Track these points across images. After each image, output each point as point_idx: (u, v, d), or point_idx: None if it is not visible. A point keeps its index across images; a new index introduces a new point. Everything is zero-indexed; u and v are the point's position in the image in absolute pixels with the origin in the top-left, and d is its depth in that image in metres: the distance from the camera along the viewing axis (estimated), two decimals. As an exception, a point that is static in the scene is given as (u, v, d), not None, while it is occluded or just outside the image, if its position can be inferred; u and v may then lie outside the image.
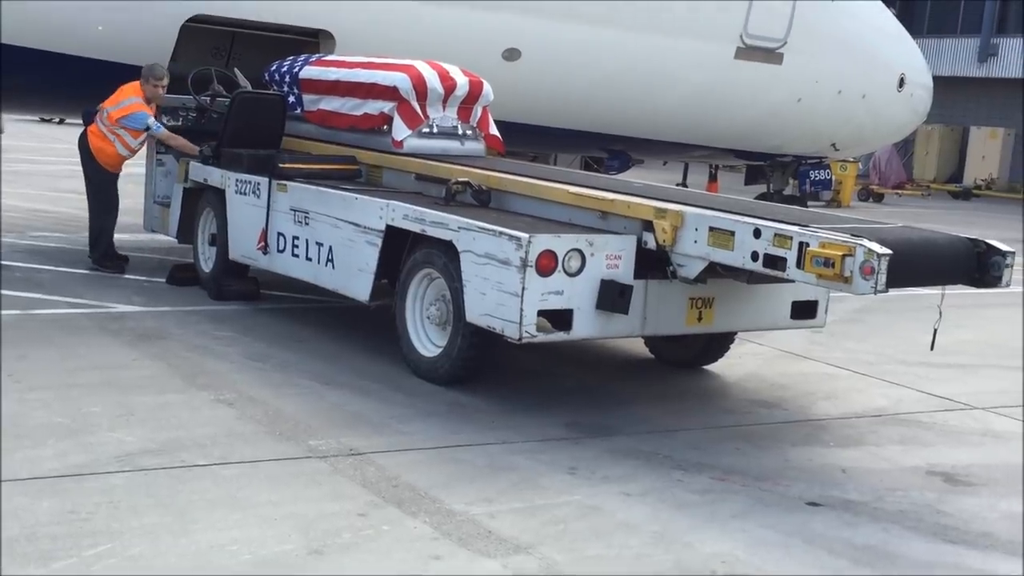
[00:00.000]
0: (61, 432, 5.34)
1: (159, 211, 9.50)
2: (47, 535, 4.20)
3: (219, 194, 8.61)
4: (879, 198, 26.75)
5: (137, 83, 9.06)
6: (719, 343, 7.52)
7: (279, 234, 7.97)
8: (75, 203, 13.44)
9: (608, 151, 13.54)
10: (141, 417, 5.66)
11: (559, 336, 6.16)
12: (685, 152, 14.58)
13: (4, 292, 8.16)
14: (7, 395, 5.83)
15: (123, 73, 9.74)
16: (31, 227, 11.48)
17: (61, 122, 28.38)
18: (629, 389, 7.12)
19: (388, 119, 8.39)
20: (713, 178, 17.69)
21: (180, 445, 5.29)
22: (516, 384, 6.90)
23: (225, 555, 4.17)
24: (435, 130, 8.45)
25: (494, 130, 8.84)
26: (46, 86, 10.13)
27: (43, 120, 28.53)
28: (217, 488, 4.81)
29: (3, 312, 7.59)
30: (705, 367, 7.64)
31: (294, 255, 7.85)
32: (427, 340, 6.85)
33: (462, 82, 8.52)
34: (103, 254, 9.34)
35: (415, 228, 6.81)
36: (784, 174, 14.77)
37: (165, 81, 9.08)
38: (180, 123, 9.32)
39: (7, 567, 3.93)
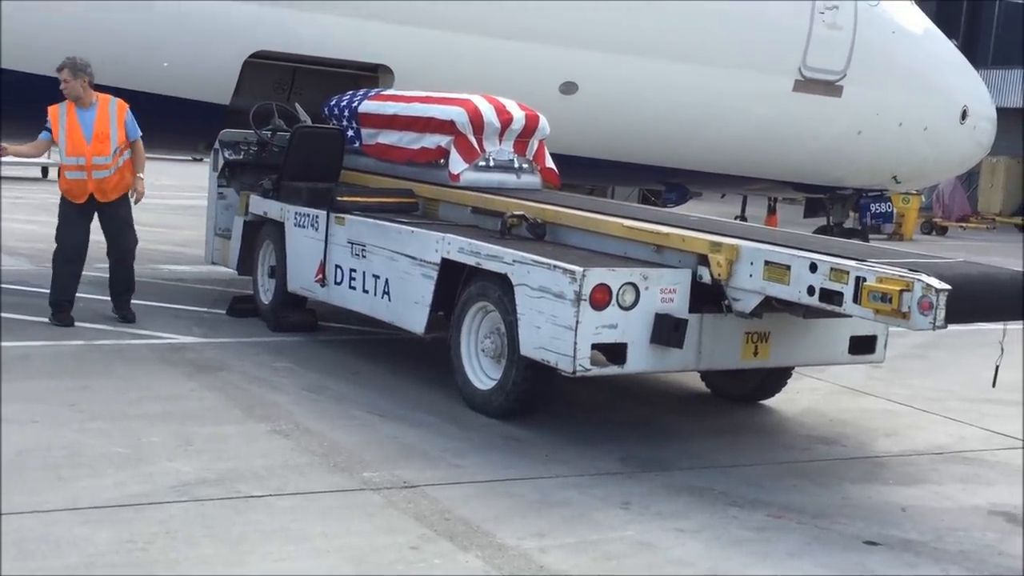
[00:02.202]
0: (120, 462, 5.43)
1: (220, 243, 9.65)
2: (106, 564, 4.26)
3: (278, 227, 8.73)
4: (943, 231, 26.37)
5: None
6: (776, 378, 7.44)
7: (337, 266, 8.06)
8: (141, 235, 13.68)
9: (666, 184, 13.52)
10: (199, 447, 5.73)
11: (613, 370, 6.15)
12: (743, 185, 14.51)
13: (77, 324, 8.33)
14: (69, 424, 5.94)
15: (188, 109, 9.95)
16: (96, 258, 11.68)
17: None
18: (684, 424, 7.07)
19: (445, 153, 8.46)
20: (772, 211, 17.57)
21: (237, 476, 5.35)
22: (570, 418, 6.89)
23: (278, 586, 4.21)
24: (491, 163, 8.50)
25: (550, 163, 8.89)
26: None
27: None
28: (272, 519, 4.85)
29: (69, 342, 7.76)
30: (762, 402, 7.57)
31: (351, 287, 7.93)
32: (482, 373, 6.87)
33: (518, 116, 8.58)
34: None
35: (470, 261, 6.85)
36: (844, 207, 14.61)
37: (62, 74, 8.39)
38: (241, 156, 9.47)
39: (66, 595, 4.00)
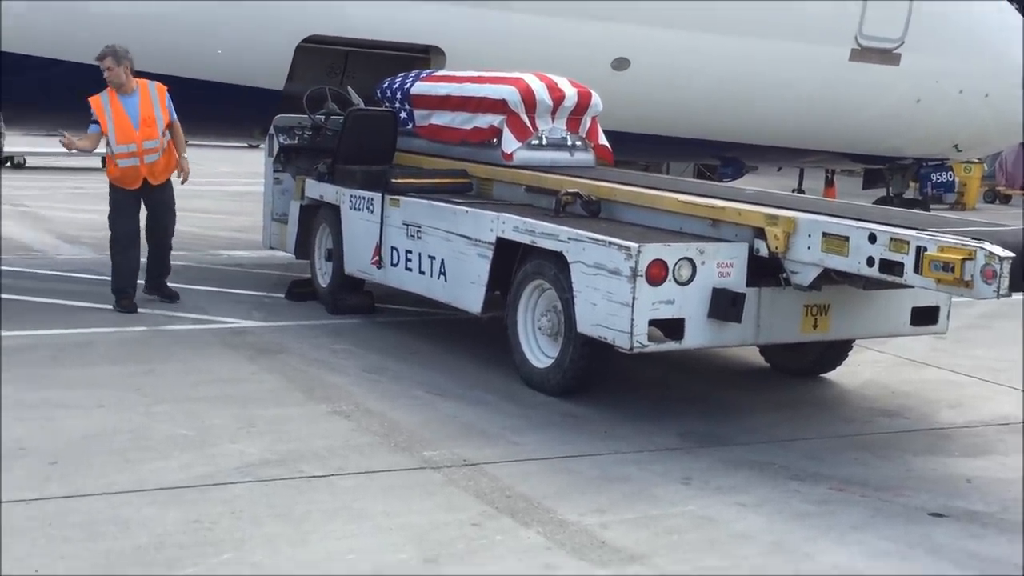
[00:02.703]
0: (185, 444, 5.52)
1: (277, 228, 9.73)
2: (174, 544, 4.34)
3: (334, 210, 8.80)
4: (1006, 200, 25.86)
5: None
6: (836, 351, 7.37)
7: (392, 248, 8.10)
8: (199, 222, 13.90)
9: (721, 158, 13.41)
10: (261, 429, 5.80)
11: (671, 346, 6.12)
12: (800, 157, 14.34)
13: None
14: (135, 408, 6.05)
15: (243, 95, 10.05)
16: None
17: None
18: (743, 398, 7.03)
19: (498, 132, 8.46)
20: (830, 183, 17.35)
21: (299, 456, 5.42)
22: (628, 394, 6.88)
23: (342, 564, 4.25)
24: (544, 142, 8.49)
25: (603, 140, 8.85)
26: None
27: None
28: (334, 499, 4.91)
29: (132, 328, 7.89)
30: (822, 375, 7.50)
31: (407, 269, 7.97)
32: (539, 351, 6.88)
33: (570, 93, 8.55)
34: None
35: (525, 240, 6.85)
36: (904, 177, 14.40)
37: (106, 62, 8.45)
38: (296, 141, 9.54)
39: (136, 574, 4.07)
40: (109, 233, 8.78)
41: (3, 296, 8.67)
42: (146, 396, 6.27)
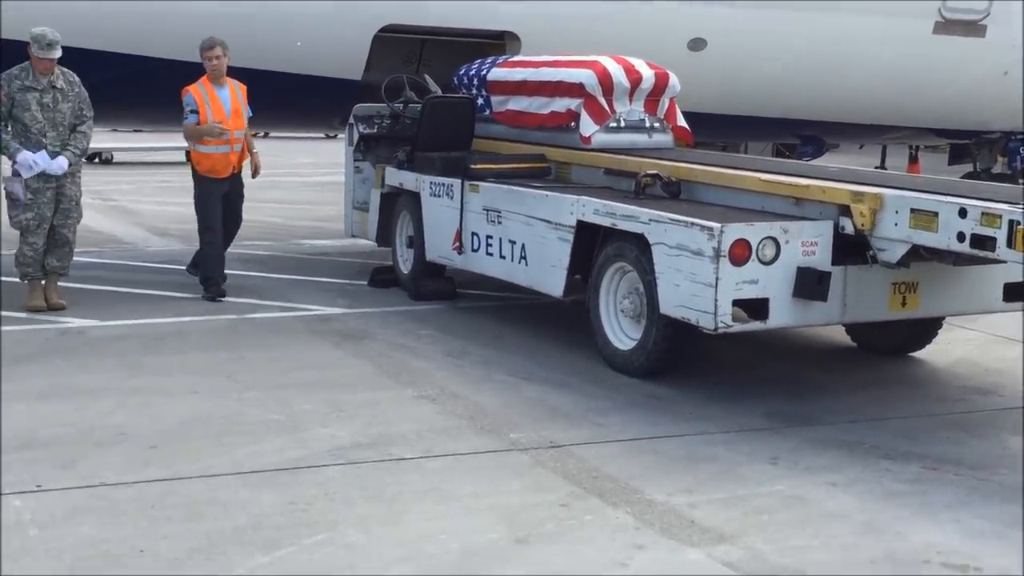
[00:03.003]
0: (278, 428, 5.64)
1: (359, 216, 9.86)
2: (271, 525, 4.44)
3: (414, 197, 8.88)
4: (1097, 172, 25.11)
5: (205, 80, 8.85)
6: (926, 329, 7.26)
7: (473, 234, 8.16)
8: (282, 212, 14.13)
9: (801, 137, 13.22)
10: (350, 413, 5.91)
11: (755, 326, 6.09)
12: (882, 134, 14.08)
13: (222, 299, 8.63)
14: (228, 394, 6.20)
15: (322, 86, 10.17)
16: (242, 236, 12.06)
17: (265, 136, 29.74)
18: (831, 378, 6.96)
19: (575, 116, 8.46)
20: (914, 159, 17.02)
21: (388, 439, 5.50)
22: (713, 375, 6.86)
23: (434, 544, 4.32)
24: (622, 124, 8.47)
25: (682, 121, 8.80)
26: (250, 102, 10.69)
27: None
28: (424, 480, 4.98)
29: (223, 317, 8.06)
30: (911, 354, 7.39)
31: (488, 254, 8.02)
32: (622, 333, 6.89)
33: (648, 75, 8.52)
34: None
35: (606, 222, 6.86)
36: (992, 152, 14.06)
37: (215, 51, 8.68)
38: (375, 130, 9.64)
39: (235, 553, 4.19)
40: (198, 224, 8.95)
41: (99, 288, 8.91)
42: (238, 382, 6.42)
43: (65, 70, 8.01)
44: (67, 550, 4.16)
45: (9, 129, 7.95)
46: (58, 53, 7.82)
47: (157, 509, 4.58)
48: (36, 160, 7.86)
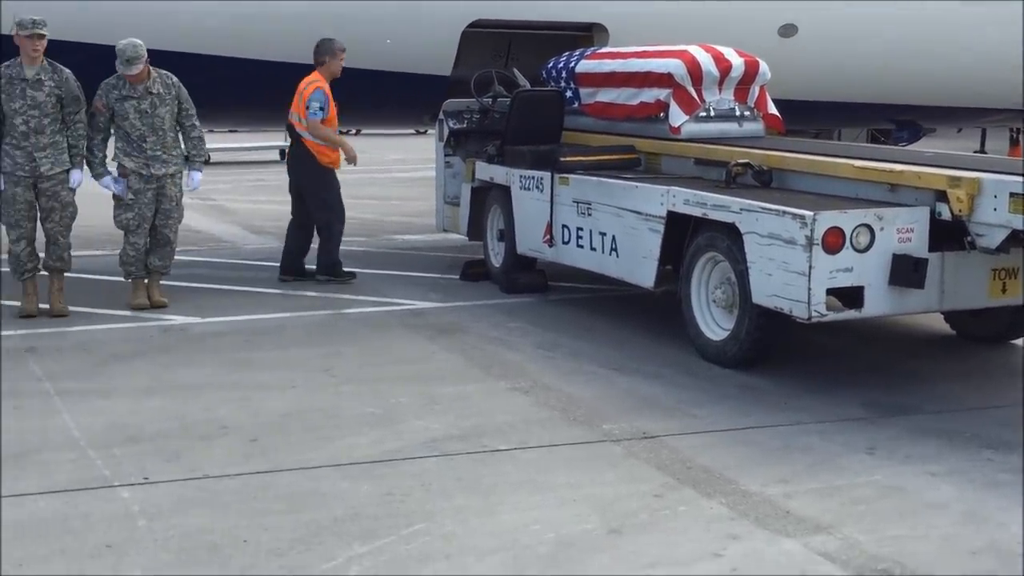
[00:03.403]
0: (374, 421, 5.75)
1: (450, 211, 9.95)
2: (369, 515, 4.54)
3: (505, 191, 8.94)
4: None
5: (309, 75, 9.14)
6: (1027, 316, 7.08)
7: (563, 226, 8.19)
8: (374, 208, 14.32)
9: (896, 122, 12.96)
10: (444, 406, 5.99)
11: (850, 314, 6.02)
12: (981, 117, 13.73)
13: (317, 294, 8.82)
14: (325, 388, 6.33)
15: (412, 83, 10.29)
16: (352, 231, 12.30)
17: (357, 133, 30.14)
18: (929, 367, 6.84)
19: (664, 106, 8.43)
20: (1015, 142, 16.58)
21: (481, 431, 5.57)
22: (807, 365, 6.79)
23: (529, 534, 4.36)
24: (712, 113, 8.42)
25: (773, 109, 8.71)
26: (340, 100, 10.85)
27: (340, 132, 30.36)
28: (518, 471, 5.04)
29: (319, 312, 8.22)
30: (1013, 342, 7.22)
31: (579, 246, 8.04)
32: (714, 323, 6.86)
33: (737, 63, 8.45)
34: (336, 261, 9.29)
35: (697, 212, 6.83)
36: (1096, 132, 13.63)
37: (342, 55, 9.14)
38: (465, 125, 9.72)
39: (334, 544, 4.29)
40: (330, 215, 9.24)
41: (199, 285, 9.15)
42: (334, 376, 6.55)
43: (163, 72, 8.20)
44: (174, 540, 4.31)
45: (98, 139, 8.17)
46: (139, 68, 7.95)
47: (259, 500, 4.70)
48: (113, 187, 8.14)
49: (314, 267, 9.32)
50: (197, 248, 11.17)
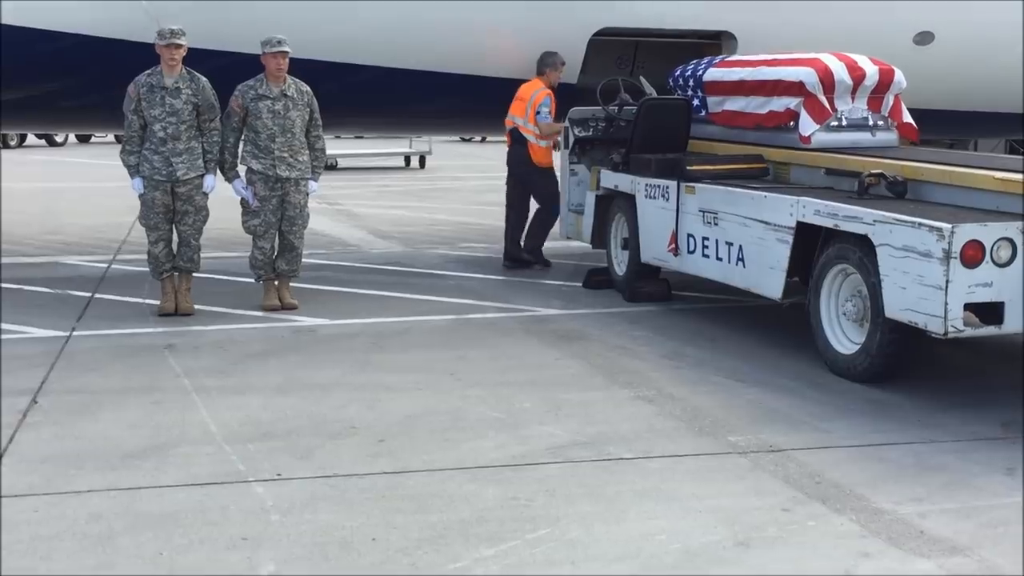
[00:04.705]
0: (499, 425, 5.79)
1: (574, 219, 9.97)
2: (494, 519, 4.58)
3: (629, 199, 8.92)
4: None
5: (529, 83, 10.08)
6: None
7: (689, 235, 8.13)
8: (497, 215, 14.41)
9: (1036, 132, 12.52)
10: (568, 412, 6.00)
11: (989, 331, 5.85)
12: None
13: (442, 299, 8.93)
14: (451, 391, 6.40)
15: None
16: (460, 238, 12.46)
17: (482, 140, 30.42)
18: (1071, 387, 6.58)
19: (794, 115, 8.30)
20: None
21: (606, 439, 5.56)
22: (942, 382, 6.60)
23: (655, 544, 4.35)
24: (844, 123, 8.25)
25: (908, 118, 8.50)
26: (467, 107, 10.98)
27: (464, 140, 30.74)
28: (643, 480, 5.02)
29: (442, 317, 8.33)
30: None
31: (704, 255, 7.98)
32: (843, 336, 6.72)
33: (871, 71, 8.27)
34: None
35: (827, 223, 6.71)
36: None
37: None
38: (591, 133, 9.74)
39: (461, 545, 4.33)
40: (554, 203, 10.08)
41: (328, 288, 9.36)
42: (460, 380, 6.62)
43: (297, 80, 8.44)
44: (305, 535, 4.41)
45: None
46: (285, 48, 8.23)
47: (387, 500, 4.79)
48: (242, 193, 8.42)
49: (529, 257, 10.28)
50: (325, 252, 11.42)
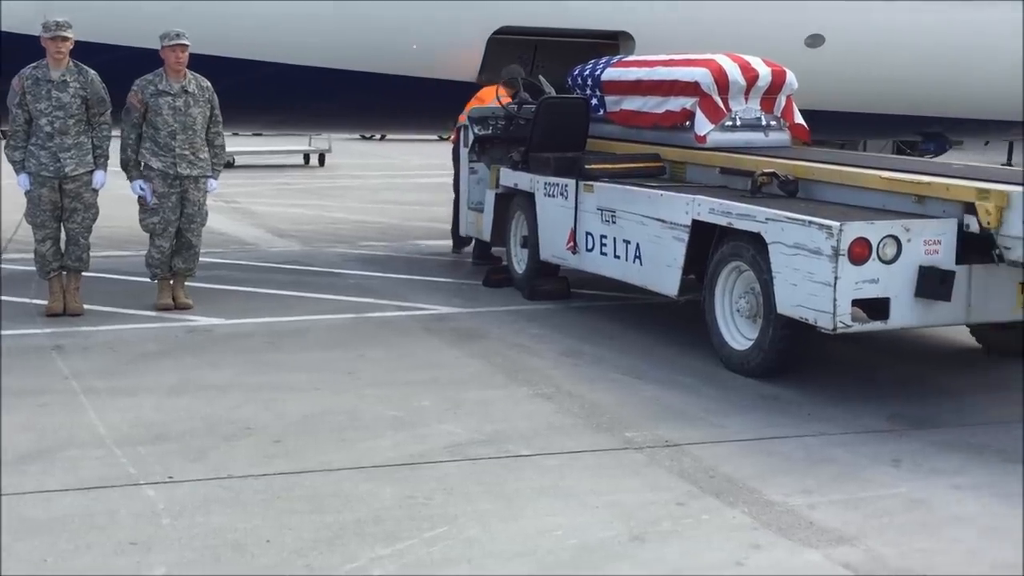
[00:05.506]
0: (397, 425, 5.76)
1: (474, 217, 9.97)
2: (391, 518, 4.55)
3: (529, 198, 8.95)
4: None
5: (493, 87, 9.79)
6: (1055, 330, 7.03)
7: (587, 233, 8.19)
8: (397, 213, 14.38)
9: (923, 134, 12.92)
10: (467, 411, 5.99)
11: (875, 326, 6.00)
12: (1010, 129, 13.66)
13: (341, 298, 8.85)
14: (348, 391, 6.34)
15: (434, 88, 10.32)
16: (359, 237, 12.36)
17: (382, 138, 30.25)
18: (955, 380, 6.80)
19: (690, 115, 8.42)
20: (1043, 156, 16.47)
21: (504, 436, 5.57)
22: (831, 376, 6.76)
23: (551, 540, 4.36)
24: (738, 123, 8.40)
25: (799, 119, 8.69)
26: (366, 105, 10.91)
27: (364, 137, 30.52)
28: (541, 477, 5.03)
29: (340, 316, 8.25)
30: (1039, 356, 7.17)
31: (602, 253, 8.04)
32: (738, 333, 6.84)
33: (764, 72, 8.44)
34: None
35: (722, 221, 6.82)
36: (1125, 146, 13.53)
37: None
38: (491, 131, 9.74)
39: (357, 545, 4.30)
40: None
41: (224, 287, 9.20)
42: (358, 379, 6.57)
43: (198, 75, 8.28)
44: (197, 538, 4.33)
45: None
46: (184, 42, 8.06)
47: (282, 501, 4.72)
48: (139, 189, 8.19)
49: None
50: (222, 250, 11.22)
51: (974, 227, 5.93)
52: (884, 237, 5.91)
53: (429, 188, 17.80)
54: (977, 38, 11.27)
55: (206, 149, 8.31)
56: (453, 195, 10.42)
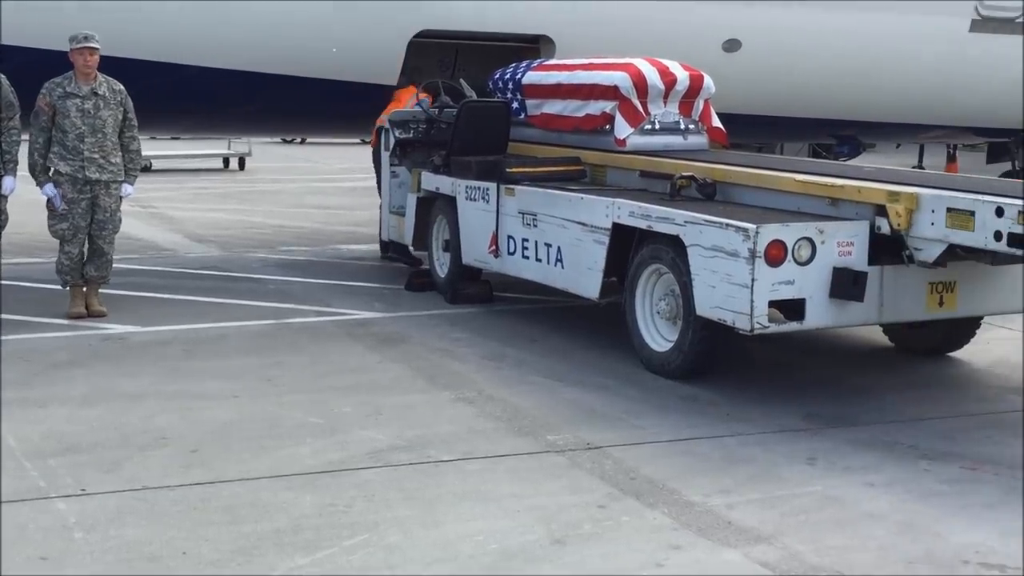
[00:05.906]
0: (317, 431, 5.70)
1: (396, 220, 9.91)
2: (310, 526, 4.50)
3: (450, 202, 8.93)
4: None
5: (411, 89, 9.82)
6: (964, 329, 7.21)
7: (509, 237, 8.20)
8: (319, 218, 14.25)
9: (837, 137, 13.18)
10: (388, 416, 5.96)
11: (792, 326, 6.09)
12: (920, 133, 14.00)
13: (260, 304, 8.74)
14: (267, 398, 6.27)
15: (355, 91, 10.26)
16: (280, 242, 12.23)
17: (303, 142, 29.97)
18: (868, 379, 6.94)
19: (610, 118, 8.48)
20: (952, 159, 16.89)
21: (426, 442, 5.55)
22: (750, 376, 6.85)
23: (473, 545, 4.35)
24: (657, 126, 8.48)
25: (717, 123, 8.80)
26: (286, 108, 10.79)
27: (285, 141, 30.21)
28: (462, 482, 5.02)
29: (260, 322, 8.14)
30: (950, 354, 7.35)
31: (524, 257, 8.06)
32: (658, 335, 6.90)
33: (682, 77, 8.52)
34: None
35: (641, 225, 6.87)
36: (1030, 150, 13.92)
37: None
38: (412, 135, 9.70)
39: (275, 555, 4.24)
40: None
41: (139, 294, 9.03)
42: (277, 386, 6.49)
43: (110, 78, 8.12)
44: (111, 552, 4.23)
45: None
46: (94, 45, 7.89)
47: (199, 511, 4.64)
48: (48, 193, 7.99)
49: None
50: (138, 256, 11.02)
51: (885, 229, 6.06)
52: (799, 239, 6.00)
53: (351, 192, 17.69)
54: (888, 43, 11.53)
55: (118, 153, 8.14)
56: (380, 199, 10.32)
